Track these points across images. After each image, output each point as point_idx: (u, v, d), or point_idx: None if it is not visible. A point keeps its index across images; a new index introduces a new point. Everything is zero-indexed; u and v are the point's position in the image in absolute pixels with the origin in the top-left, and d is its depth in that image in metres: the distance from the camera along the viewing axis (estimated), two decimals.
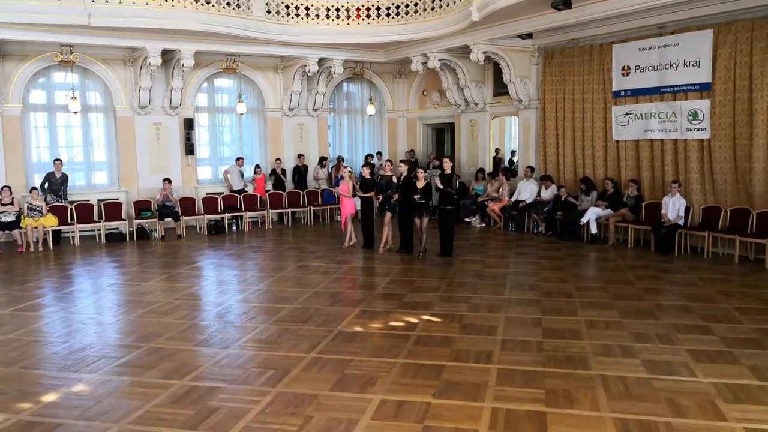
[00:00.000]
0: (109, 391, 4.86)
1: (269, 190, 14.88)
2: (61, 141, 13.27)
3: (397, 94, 17.34)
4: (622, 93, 11.55)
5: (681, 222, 10.24)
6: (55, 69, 12.82)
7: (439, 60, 13.93)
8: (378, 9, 13.30)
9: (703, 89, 10.27)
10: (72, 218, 12.30)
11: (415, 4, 13.02)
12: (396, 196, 10.63)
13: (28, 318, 7.04)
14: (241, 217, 14.06)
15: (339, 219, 13.52)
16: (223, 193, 14.26)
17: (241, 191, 14.34)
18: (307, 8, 13.13)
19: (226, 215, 13.80)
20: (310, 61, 14.06)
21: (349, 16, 13.40)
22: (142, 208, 13.06)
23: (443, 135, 17.71)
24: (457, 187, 12.88)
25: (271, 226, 14.34)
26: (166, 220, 12.91)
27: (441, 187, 10.02)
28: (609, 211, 11.39)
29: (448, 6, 12.42)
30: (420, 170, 10.43)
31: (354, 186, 11.29)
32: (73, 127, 13.37)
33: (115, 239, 12.59)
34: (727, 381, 4.85)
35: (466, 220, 13.90)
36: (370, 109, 16.74)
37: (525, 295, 7.74)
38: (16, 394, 4.83)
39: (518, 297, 7.65)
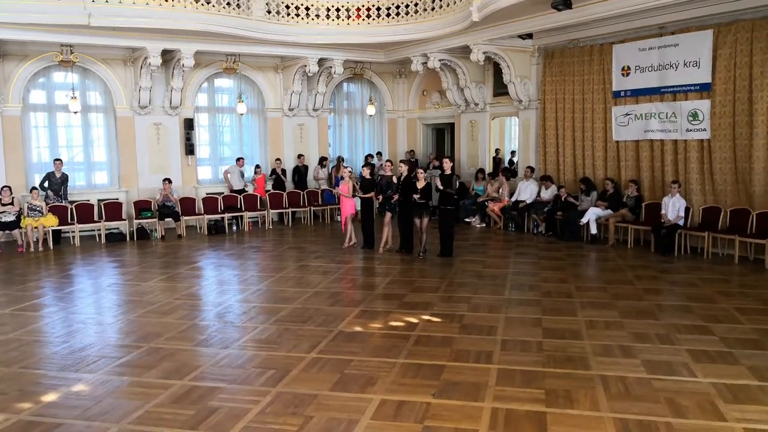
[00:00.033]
0: (109, 391, 4.86)
1: (269, 190, 14.88)
2: (62, 141, 13.27)
3: (397, 95, 17.34)
4: (622, 93, 11.56)
5: (681, 222, 10.24)
6: (55, 69, 12.82)
7: (439, 60, 13.93)
8: (378, 9, 13.31)
9: (703, 89, 10.28)
10: (72, 218, 12.31)
11: (416, 5, 13.02)
12: (396, 197, 10.63)
13: (28, 318, 7.05)
14: (241, 217, 14.06)
15: (339, 219, 13.52)
16: (223, 193, 14.27)
17: (241, 191, 14.35)
18: (307, 8, 13.13)
19: (226, 215, 13.80)
20: (310, 61, 14.07)
21: (349, 16, 13.40)
22: (142, 208, 13.06)
23: (443, 135, 17.71)
24: (457, 187, 12.89)
25: (271, 226, 14.34)
26: (166, 220, 12.91)
27: (441, 187, 10.03)
28: (609, 211, 11.39)
29: (448, 6, 12.43)
30: (420, 170, 10.43)
31: (354, 186, 11.30)
32: (73, 127, 13.37)
33: (115, 239, 12.59)
34: (726, 381, 4.86)
35: (466, 220, 13.90)
36: (370, 110, 16.74)
37: (525, 296, 7.74)
38: (16, 393, 4.83)
39: (518, 297, 7.65)
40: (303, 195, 15.15)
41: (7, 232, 11.65)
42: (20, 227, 11.56)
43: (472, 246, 11.39)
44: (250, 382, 4.98)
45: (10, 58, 12.16)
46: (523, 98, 13.40)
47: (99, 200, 12.93)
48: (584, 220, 11.44)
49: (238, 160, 14.55)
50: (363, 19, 13.41)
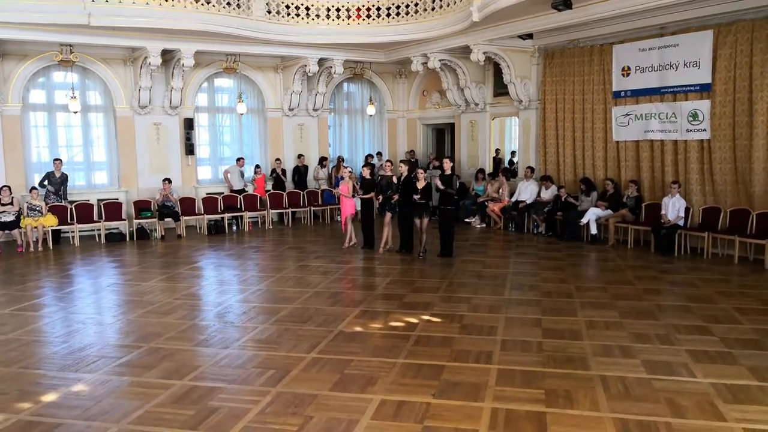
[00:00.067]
0: (109, 391, 4.86)
1: (269, 190, 14.88)
2: (61, 141, 13.27)
3: (398, 95, 17.34)
4: (623, 93, 11.56)
5: (681, 223, 10.24)
6: (54, 68, 12.82)
7: (440, 60, 13.93)
8: (378, 9, 13.31)
9: (703, 90, 10.28)
10: (72, 218, 12.30)
11: (416, 5, 13.02)
12: (396, 197, 10.63)
13: (27, 318, 7.04)
14: (241, 217, 14.06)
15: (339, 219, 13.52)
16: (223, 193, 14.27)
17: (241, 191, 14.35)
18: (307, 8, 13.13)
19: (226, 215, 13.80)
20: (310, 61, 14.07)
21: (349, 16, 13.40)
22: (142, 208, 13.06)
23: (443, 135, 17.71)
24: (457, 187, 12.89)
25: (271, 227, 14.34)
26: (166, 220, 12.91)
27: (441, 187, 10.03)
28: (609, 211, 11.39)
29: (448, 6, 12.43)
30: (420, 170, 10.44)
31: (354, 186, 11.30)
32: (73, 126, 13.37)
33: (115, 239, 12.59)
34: (726, 381, 4.86)
35: (466, 220, 13.90)
36: (371, 110, 16.74)
37: (525, 296, 7.74)
38: (16, 393, 4.83)
39: (518, 297, 7.65)
40: (303, 195, 15.15)
41: (6, 232, 11.65)
42: (20, 227, 11.56)
43: (472, 246, 11.39)
44: (250, 382, 4.98)
45: (9, 58, 12.16)
46: (523, 98, 13.41)
47: (99, 200, 12.93)
48: (584, 221, 11.44)
49: (238, 160, 14.54)
50: (363, 19, 13.41)
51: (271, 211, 14.53)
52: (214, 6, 11.82)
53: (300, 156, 15.61)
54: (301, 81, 15.00)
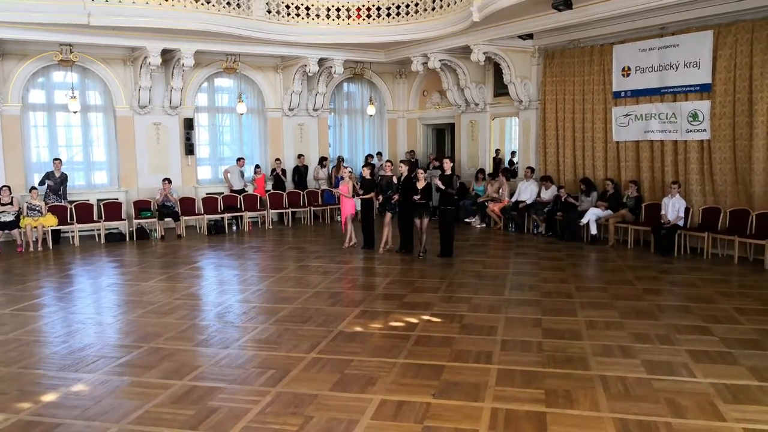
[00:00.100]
0: (109, 391, 4.86)
1: (269, 190, 14.87)
2: (61, 141, 13.27)
3: (398, 95, 17.34)
4: (623, 94, 11.56)
5: (681, 223, 10.25)
6: (54, 68, 12.81)
7: (440, 60, 13.93)
8: (378, 9, 13.31)
9: (703, 90, 10.28)
10: (71, 218, 12.30)
11: (416, 5, 13.02)
12: (396, 197, 10.63)
13: (27, 318, 7.04)
14: (241, 217, 14.05)
15: (339, 219, 13.52)
16: (223, 193, 14.26)
17: (241, 191, 14.34)
18: (307, 8, 13.13)
19: (226, 215, 13.80)
20: (310, 61, 14.07)
21: (349, 16, 13.40)
22: (141, 208, 13.05)
23: (443, 135, 17.71)
24: (458, 187, 12.89)
25: (271, 227, 14.33)
26: (165, 220, 12.90)
27: (442, 187, 10.03)
28: (609, 211, 11.39)
29: (448, 6, 12.43)
30: (420, 171, 10.44)
31: (354, 186, 11.29)
32: (73, 126, 13.37)
33: (114, 239, 12.59)
34: (726, 381, 4.86)
35: (466, 220, 13.90)
36: (371, 110, 16.74)
37: (525, 296, 7.74)
38: (16, 393, 4.83)
39: (518, 297, 7.65)
40: (303, 195, 15.15)
41: (6, 231, 11.65)
42: (19, 227, 11.55)
43: (472, 246, 11.39)
44: (250, 382, 4.97)
45: (9, 58, 12.16)
46: (523, 98, 13.41)
47: (98, 200, 12.93)
48: (584, 221, 11.44)
49: (238, 160, 14.54)
50: (363, 19, 13.41)
51: (271, 211, 14.52)
52: (214, 6, 11.82)
53: (300, 156, 15.61)
54: (301, 81, 15.00)
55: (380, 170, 13.32)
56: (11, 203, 11.54)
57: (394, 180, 10.99)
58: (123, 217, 12.86)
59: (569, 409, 4.40)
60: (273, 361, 5.45)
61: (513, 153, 16.63)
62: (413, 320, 6.64)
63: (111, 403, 4.61)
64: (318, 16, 13.22)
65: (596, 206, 11.55)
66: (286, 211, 14.73)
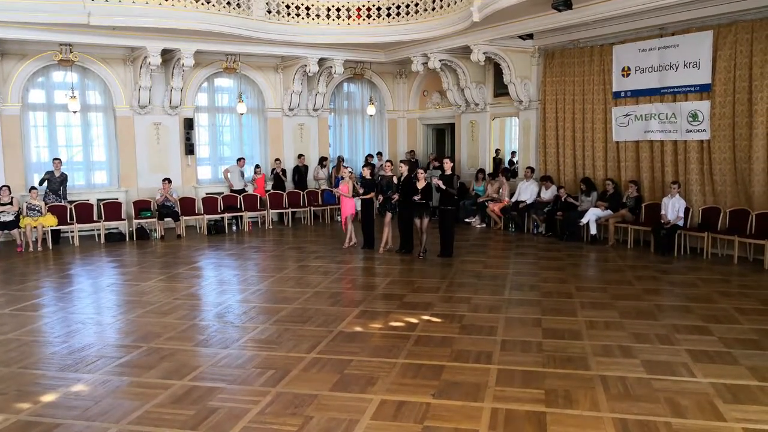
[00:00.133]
0: (109, 391, 4.86)
1: (269, 190, 14.87)
2: (61, 140, 13.26)
3: (398, 95, 17.34)
4: (622, 94, 11.56)
5: (680, 223, 10.25)
6: (54, 68, 12.81)
7: (440, 60, 13.93)
8: (378, 9, 13.31)
9: (703, 90, 10.28)
10: (71, 218, 12.29)
11: (416, 5, 13.02)
12: (396, 197, 10.63)
13: (27, 318, 7.04)
14: (241, 217, 14.05)
15: (339, 219, 13.52)
16: (223, 193, 14.26)
17: (241, 191, 14.34)
18: (307, 8, 13.13)
19: (226, 215, 13.80)
20: (310, 61, 14.07)
21: (349, 16, 13.40)
22: (141, 207, 13.05)
23: (443, 135, 17.71)
24: (458, 187, 12.88)
25: (271, 227, 14.33)
26: (165, 220, 12.90)
27: (443, 187, 10.02)
28: (609, 211, 11.39)
29: (448, 6, 12.43)
30: (420, 171, 10.44)
31: (354, 186, 11.29)
32: (73, 126, 13.35)
33: (114, 239, 12.59)
34: (726, 381, 4.86)
35: (466, 220, 13.91)
36: (371, 110, 16.73)
37: (525, 296, 7.74)
38: (16, 394, 4.82)
39: (518, 297, 7.65)
40: (303, 195, 15.15)
41: (6, 231, 11.65)
42: (19, 227, 11.55)
43: (472, 246, 11.39)
44: (250, 382, 4.97)
45: (9, 57, 12.15)
46: (523, 99, 13.41)
47: (98, 200, 12.92)
48: (584, 221, 11.45)
49: (238, 160, 14.54)
50: (363, 19, 13.40)
51: (271, 211, 14.52)
52: (214, 6, 11.81)
53: (300, 156, 15.61)
54: (301, 81, 15.00)
55: (380, 170, 13.32)
56: (11, 203, 11.54)
57: (394, 180, 10.98)
58: (123, 217, 12.85)
59: (569, 409, 4.40)
60: (273, 361, 5.45)
61: (513, 153, 16.64)
62: (413, 320, 6.64)
63: (111, 403, 4.61)
64: (318, 16, 13.22)
65: (596, 206, 11.55)
66: (286, 211, 14.73)
